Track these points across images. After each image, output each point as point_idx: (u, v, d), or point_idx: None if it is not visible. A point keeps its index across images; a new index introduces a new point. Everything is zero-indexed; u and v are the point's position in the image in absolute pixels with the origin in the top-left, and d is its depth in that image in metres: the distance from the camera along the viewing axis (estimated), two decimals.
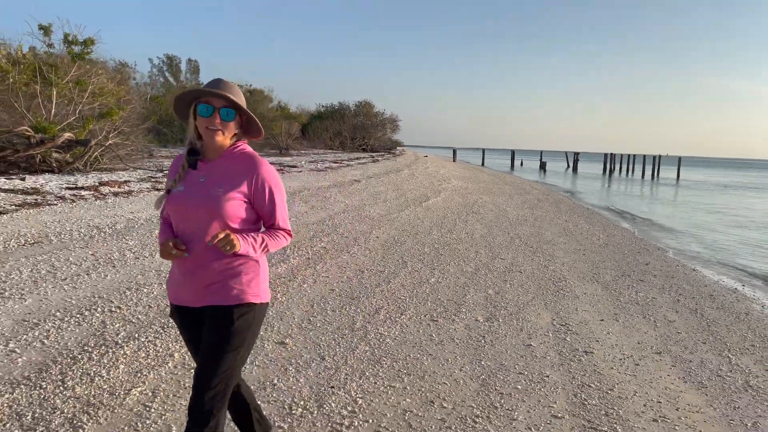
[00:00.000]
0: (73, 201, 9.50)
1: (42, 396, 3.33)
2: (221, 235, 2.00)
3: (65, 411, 3.19)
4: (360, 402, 3.61)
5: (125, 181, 11.91)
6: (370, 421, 3.37)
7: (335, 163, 27.49)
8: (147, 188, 11.46)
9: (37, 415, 3.12)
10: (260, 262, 2.25)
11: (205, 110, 2.09)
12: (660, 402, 4.02)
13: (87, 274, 5.90)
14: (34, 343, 4.05)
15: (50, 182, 11.12)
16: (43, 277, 5.70)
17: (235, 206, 2.12)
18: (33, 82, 12.81)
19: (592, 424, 3.58)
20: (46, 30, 13.94)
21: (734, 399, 4.22)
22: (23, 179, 11.11)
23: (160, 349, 4.18)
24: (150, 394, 3.48)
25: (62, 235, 7.54)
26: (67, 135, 12.66)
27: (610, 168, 58.51)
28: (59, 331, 4.33)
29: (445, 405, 3.66)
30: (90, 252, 6.84)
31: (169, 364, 3.93)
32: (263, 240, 2.17)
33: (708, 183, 49.56)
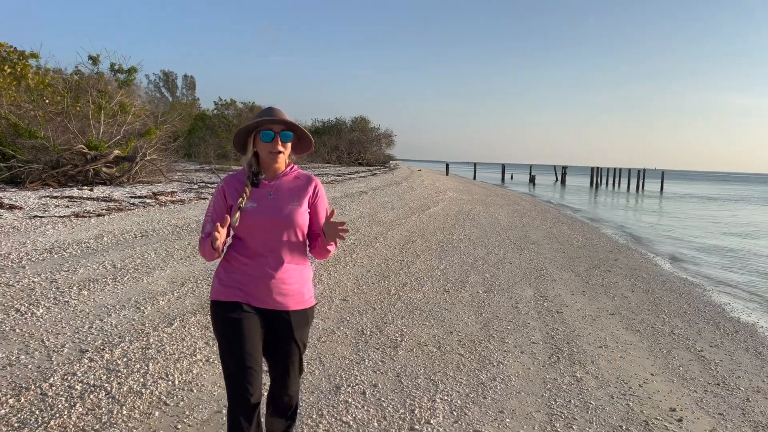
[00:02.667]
0: (144, 207, 11.40)
1: (184, 334, 5.20)
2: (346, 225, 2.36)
3: None
4: (405, 330, 5.51)
5: (172, 192, 13.81)
6: (414, 340, 5.27)
7: (338, 176, 29.39)
8: (193, 197, 13.40)
9: (209, 327, 4.99)
10: (311, 268, 2.57)
11: (267, 136, 2.36)
12: (606, 339, 5.92)
13: (194, 256, 7.85)
14: (188, 294, 6.06)
15: (114, 193, 12.99)
16: (166, 258, 7.72)
17: (305, 216, 2.44)
18: (85, 105, 14.69)
19: (558, 347, 5.47)
20: (94, 60, 15.86)
21: (659, 340, 6.13)
22: (92, 190, 12.99)
23: None
24: None
25: (157, 231, 9.57)
26: (116, 152, 14.54)
27: (597, 181, 60.83)
28: (198, 288, 6.28)
29: (460, 334, 5.56)
30: (185, 243, 8.83)
31: None
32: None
33: (692, 195, 51.82)
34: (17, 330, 4.55)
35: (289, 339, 2.42)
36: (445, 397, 4.04)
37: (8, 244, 7.63)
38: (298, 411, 2.70)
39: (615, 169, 65.37)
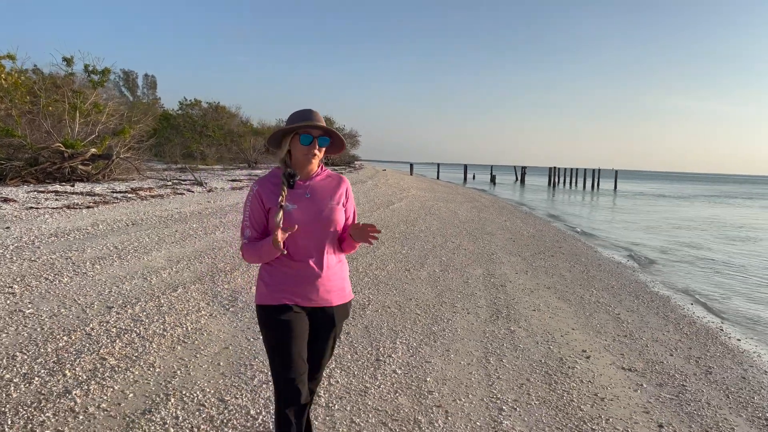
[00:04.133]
0: (127, 200, 12.16)
1: (208, 287, 6.12)
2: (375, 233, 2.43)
3: (223, 293, 6.00)
4: (371, 298, 6.55)
5: (149, 188, 14.52)
6: (378, 304, 6.31)
7: None
8: (169, 192, 14.17)
9: (210, 292, 5.91)
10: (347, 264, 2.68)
11: (306, 140, 2.42)
12: (539, 305, 7.06)
13: (184, 241, 8.80)
14: (185, 269, 7.01)
15: (95, 188, 13.65)
16: (159, 242, 8.63)
17: (341, 213, 2.52)
18: (60, 104, 15.23)
19: (498, 310, 6.58)
20: (68, 61, 16.35)
21: (584, 306, 7.31)
22: (73, 186, 13.61)
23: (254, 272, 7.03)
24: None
25: (145, 221, 10.46)
26: (92, 150, 15.13)
27: (555, 180, 63.13)
28: (192, 265, 7.19)
29: (417, 300, 6.62)
30: (173, 230, 9.72)
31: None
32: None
33: (644, 193, 54.41)
34: (51, 292, 5.49)
35: (330, 332, 2.55)
36: (404, 341, 5.09)
37: (18, 230, 8.50)
38: None
39: (571, 169, 67.87)
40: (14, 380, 3.67)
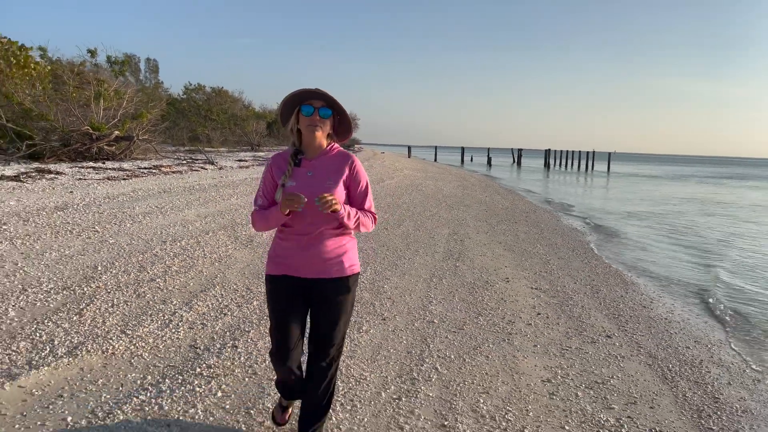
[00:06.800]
0: (153, 175, 14.25)
1: (230, 233, 8.13)
2: (328, 197, 2.36)
3: (241, 237, 8.02)
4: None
5: (169, 165, 16.57)
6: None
7: None
8: (186, 169, 16.29)
9: (232, 236, 7.92)
10: (354, 240, 2.73)
11: (307, 111, 2.50)
12: (486, 252, 9.05)
13: (207, 204, 10.91)
14: (211, 222, 9.20)
15: (123, 165, 15.72)
16: (188, 204, 10.81)
17: (341, 194, 2.56)
18: (86, 92, 17.21)
19: (451, 254, 8.57)
20: (92, 53, 18.32)
21: (524, 255, 9.26)
22: (104, 163, 15.68)
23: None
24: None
25: (172, 189, 12.67)
26: (116, 132, 17.14)
27: (550, 162, 64.93)
28: (215, 220, 9.28)
29: (389, 246, 8.64)
30: (197, 196, 11.80)
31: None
32: (356, 213, 2.59)
33: (637, 174, 56.20)
34: (121, 232, 7.72)
35: (330, 304, 2.63)
36: (372, 268, 7.11)
37: (78, 194, 10.62)
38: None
39: (567, 151, 69.62)
40: (118, 274, 5.78)
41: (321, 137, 2.57)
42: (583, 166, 63.14)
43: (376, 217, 2.73)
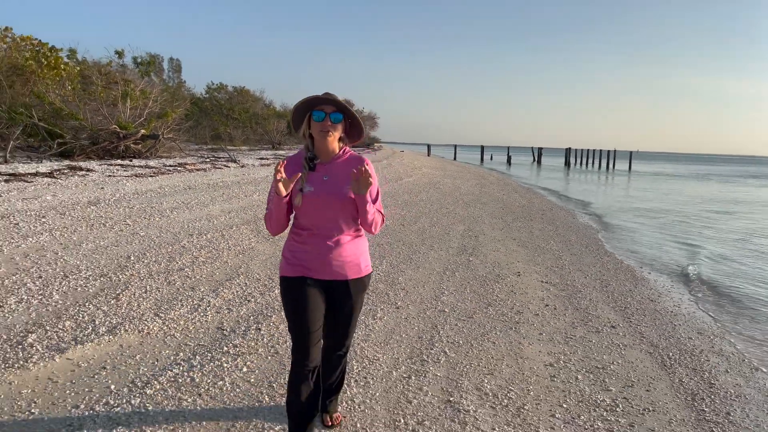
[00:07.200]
0: (178, 172, 14.76)
1: (253, 227, 8.50)
2: (366, 172, 2.47)
3: (263, 231, 8.39)
4: (369, 239, 8.88)
5: (193, 163, 17.09)
6: (373, 242, 8.62)
7: None
8: (209, 166, 16.81)
9: (255, 230, 8.29)
10: (367, 242, 2.82)
11: (318, 116, 2.57)
12: (500, 248, 9.29)
13: (230, 200, 11.33)
14: (234, 217, 9.58)
15: (149, 162, 16.27)
16: (212, 200, 11.22)
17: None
18: (113, 92, 17.81)
19: (465, 249, 8.84)
20: (120, 54, 18.93)
21: (537, 250, 9.50)
22: (131, 161, 16.23)
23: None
24: None
25: (197, 186, 13.16)
26: (142, 131, 17.71)
27: (571, 161, 64.56)
28: (239, 216, 9.67)
29: (405, 241, 8.93)
30: (221, 192, 12.24)
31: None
32: (374, 207, 2.68)
33: (660, 173, 55.52)
34: (151, 225, 8.18)
35: (346, 305, 2.72)
36: (388, 261, 7.41)
37: (108, 190, 11.12)
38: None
39: (587, 150, 69.13)
40: (150, 264, 6.19)
41: (333, 141, 2.64)
42: (603, 165, 62.71)
43: (384, 218, 2.82)
